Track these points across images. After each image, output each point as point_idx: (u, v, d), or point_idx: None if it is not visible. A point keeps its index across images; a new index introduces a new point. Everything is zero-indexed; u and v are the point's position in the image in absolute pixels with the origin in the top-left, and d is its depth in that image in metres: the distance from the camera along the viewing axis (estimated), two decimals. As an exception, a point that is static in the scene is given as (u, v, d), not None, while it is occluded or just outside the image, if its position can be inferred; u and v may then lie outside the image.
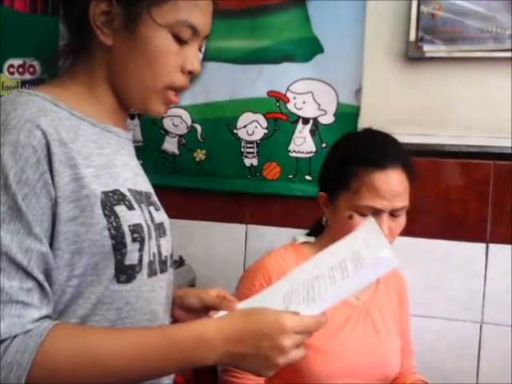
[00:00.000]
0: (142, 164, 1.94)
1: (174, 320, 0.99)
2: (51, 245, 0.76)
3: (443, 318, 1.74)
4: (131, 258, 0.81)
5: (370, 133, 1.26)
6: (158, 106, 0.89)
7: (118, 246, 0.80)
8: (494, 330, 1.71)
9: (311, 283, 0.84)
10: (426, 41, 1.70)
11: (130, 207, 0.83)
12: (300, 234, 1.32)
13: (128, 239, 0.81)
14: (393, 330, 1.28)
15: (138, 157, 1.91)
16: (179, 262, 1.86)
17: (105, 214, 0.79)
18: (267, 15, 1.83)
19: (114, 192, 0.82)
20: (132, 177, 0.89)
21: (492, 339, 1.71)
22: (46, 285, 0.75)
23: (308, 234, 1.35)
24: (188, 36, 0.85)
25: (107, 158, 0.85)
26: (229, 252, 1.92)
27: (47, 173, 0.75)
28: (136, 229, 0.82)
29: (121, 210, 0.81)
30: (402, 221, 1.19)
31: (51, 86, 0.87)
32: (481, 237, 1.71)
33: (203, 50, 1.90)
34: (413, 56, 1.73)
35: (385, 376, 1.25)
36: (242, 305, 0.89)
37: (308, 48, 1.81)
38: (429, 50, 1.70)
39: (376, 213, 1.15)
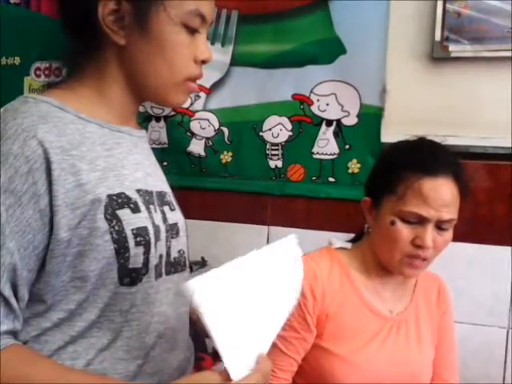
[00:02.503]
0: (166, 165, 1.99)
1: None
2: (51, 253, 0.76)
3: (469, 322, 1.70)
4: (135, 261, 0.80)
5: (422, 140, 1.21)
6: (179, 97, 0.89)
7: (121, 250, 0.79)
8: (521, 336, 1.67)
9: None
10: (451, 40, 1.68)
11: (135, 210, 0.82)
12: (336, 239, 1.27)
13: (131, 243, 0.80)
14: (427, 342, 1.24)
15: (163, 158, 1.95)
16: (201, 263, 1.87)
17: (106, 218, 0.78)
18: (290, 19, 1.85)
19: (119, 195, 0.81)
20: (144, 176, 0.88)
21: (520, 345, 1.67)
22: (12, 300, 0.75)
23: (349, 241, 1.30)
24: (197, 25, 0.85)
25: (116, 160, 0.84)
26: (251, 253, 1.92)
27: (37, 184, 0.75)
28: (140, 232, 0.81)
29: (124, 213, 0.80)
30: (448, 236, 1.13)
31: (59, 89, 0.87)
32: (508, 240, 1.67)
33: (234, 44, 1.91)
34: (438, 56, 1.71)
35: None
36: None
37: (331, 50, 1.81)
38: (454, 49, 1.68)
39: (421, 221, 1.10)
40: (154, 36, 0.83)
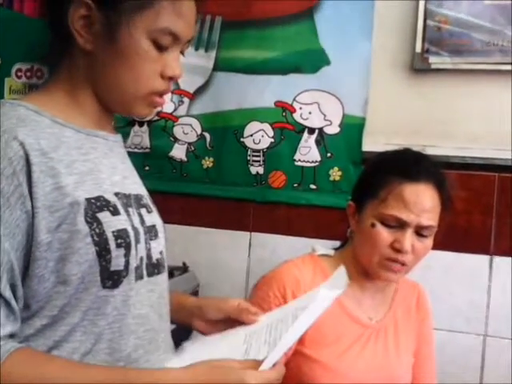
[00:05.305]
0: (147, 170, 1.99)
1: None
2: (32, 255, 0.76)
3: (446, 329, 1.73)
4: (116, 263, 0.81)
5: (407, 149, 1.23)
6: (142, 110, 0.89)
7: (102, 253, 0.79)
8: (497, 343, 1.70)
9: (275, 324, 0.85)
10: (431, 52, 1.71)
11: (115, 212, 0.82)
12: (319, 245, 1.28)
13: (112, 245, 0.80)
14: (405, 349, 1.25)
15: (145, 163, 1.95)
16: (183, 269, 1.87)
17: (87, 221, 0.78)
18: (276, 27, 1.86)
19: (98, 198, 0.81)
20: (120, 180, 0.88)
21: (495, 352, 1.70)
22: (12, 301, 0.75)
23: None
24: (168, 43, 0.84)
25: (92, 164, 0.84)
26: (232, 259, 1.92)
27: (23, 185, 0.75)
28: (120, 234, 0.81)
29: (104, 216, 0.80)
30: (428, 243, 1.15)
31: (36, 94, 0.87)
32: (485, 249, 1.71)
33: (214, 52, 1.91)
34: (419, 67, 1.74)
35: None
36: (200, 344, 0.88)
37: (315, 60, 1.84)
38: (434, 61, 1.72)
39: (400, 226, 1.11)
40: (121, 47, 0.82)
